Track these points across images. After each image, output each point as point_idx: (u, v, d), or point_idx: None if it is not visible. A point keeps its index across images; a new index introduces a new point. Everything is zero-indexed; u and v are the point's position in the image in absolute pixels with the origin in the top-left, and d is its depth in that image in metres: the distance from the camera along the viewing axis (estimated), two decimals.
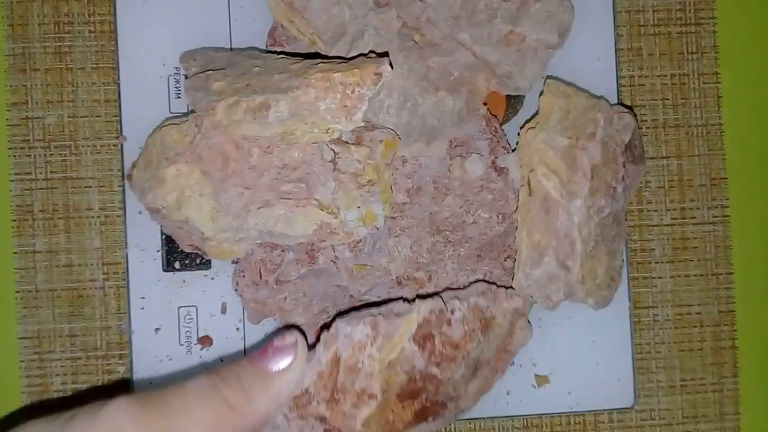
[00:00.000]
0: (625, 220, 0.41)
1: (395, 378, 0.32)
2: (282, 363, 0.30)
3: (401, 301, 0.34)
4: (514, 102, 0.40)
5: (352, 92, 0.31)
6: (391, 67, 0.32)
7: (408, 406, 0.33)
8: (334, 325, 0.32)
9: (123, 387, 0.40)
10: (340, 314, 0.36)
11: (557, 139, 0.36)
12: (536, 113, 0.38)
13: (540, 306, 0.37)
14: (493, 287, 0.36)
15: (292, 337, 0.30)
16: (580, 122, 0.36)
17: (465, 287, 0.37)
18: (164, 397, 0.27)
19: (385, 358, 0.32)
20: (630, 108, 0.41)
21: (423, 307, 0.33)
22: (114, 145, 0.41)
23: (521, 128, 0.38)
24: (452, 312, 0.34)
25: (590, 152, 0.35)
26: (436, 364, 0.33)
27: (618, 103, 0.42)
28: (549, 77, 0.40)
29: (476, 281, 0.37)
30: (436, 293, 0.35)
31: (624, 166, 0.36)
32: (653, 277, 0.43)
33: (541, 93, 0.37)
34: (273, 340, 0.31)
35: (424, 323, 0.33)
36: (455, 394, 0.35)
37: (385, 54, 0.34)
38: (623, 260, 0.41)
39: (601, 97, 0.38)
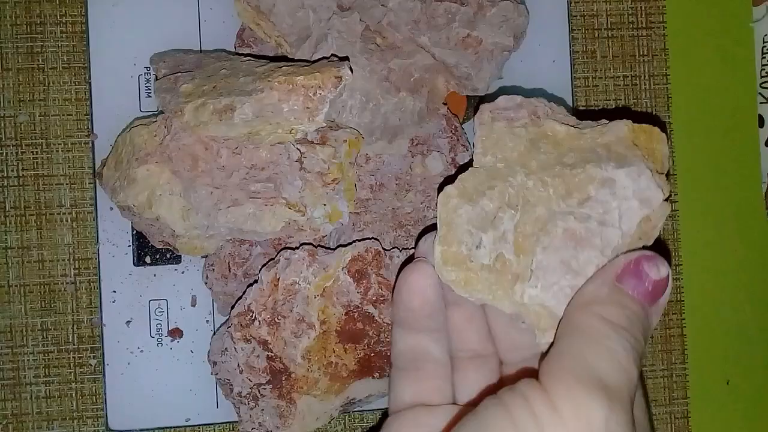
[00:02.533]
0: None
1: (332, 310, 0.35)
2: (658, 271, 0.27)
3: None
4: (475, 101, 0.42)
5: (314, 95, 0.33)
6: (351, 70, 0.34)
7: (350, 350, 0.35)
8: (278, 254, 0.35)
9: (95, 379, 0.41)
10: None
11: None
12: None
13: None
14: None
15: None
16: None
17: None
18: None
19: (321, 284, 0.35)
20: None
21: (359, 244, 0.35)
22: (85, 143, 0.41)
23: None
24: (391, 258, 0.36)
25: None
26: (372, 303, 0.35)
27: (573, 105, 0.44)
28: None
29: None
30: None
31: None
32: None
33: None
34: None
35: (358, 257, 0.35)
36: None
37: (346, 58, 0.35)
38: None
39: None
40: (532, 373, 0.26)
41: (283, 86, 0.33)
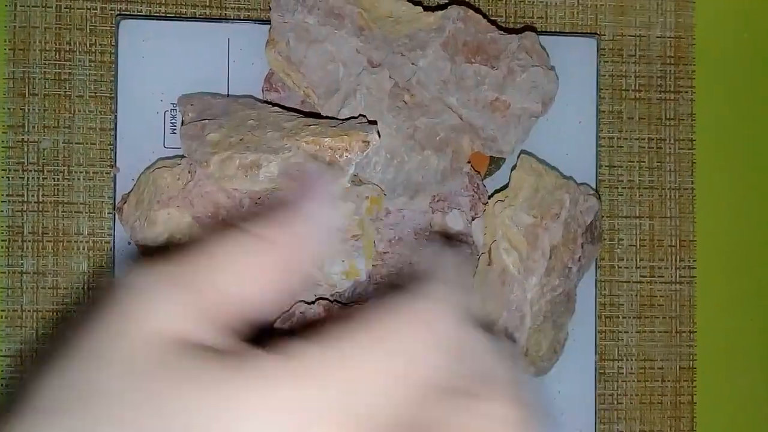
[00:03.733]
0: (576, 293, 0.42)
1: None
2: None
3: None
4: (497, 158, 0.42)
5: (340, 156, 0.33)
6: (379, 135, 0.33)
7: None
8: (293, 307, 0.35)
9: None
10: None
11: (523, 216, 0.37)
12: (507, 185, 0.40)
13: None
14: None
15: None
16: (546, 201, 0.38)
17: None
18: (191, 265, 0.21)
19: None
20: (595, 191, 0.43)
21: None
22: (107, 173, 0.42)
23: (490, 197, 0.39)
24: None
25: (552, 232, 0.37)
26: None
27: (597, 165, 0.44)
28: (523, 152, 0.41)
29: None
30: None
31: (582, 247, 0.38)
32: (620, 331, 0.44)
33: (514, 167, 0.38)
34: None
35: None
36: None
37: (375, 122, 0.35)
38: (568, 332, 0.42)
39: (570, 178, 0.39)
40: None
41: (311, 146, 0.33)
